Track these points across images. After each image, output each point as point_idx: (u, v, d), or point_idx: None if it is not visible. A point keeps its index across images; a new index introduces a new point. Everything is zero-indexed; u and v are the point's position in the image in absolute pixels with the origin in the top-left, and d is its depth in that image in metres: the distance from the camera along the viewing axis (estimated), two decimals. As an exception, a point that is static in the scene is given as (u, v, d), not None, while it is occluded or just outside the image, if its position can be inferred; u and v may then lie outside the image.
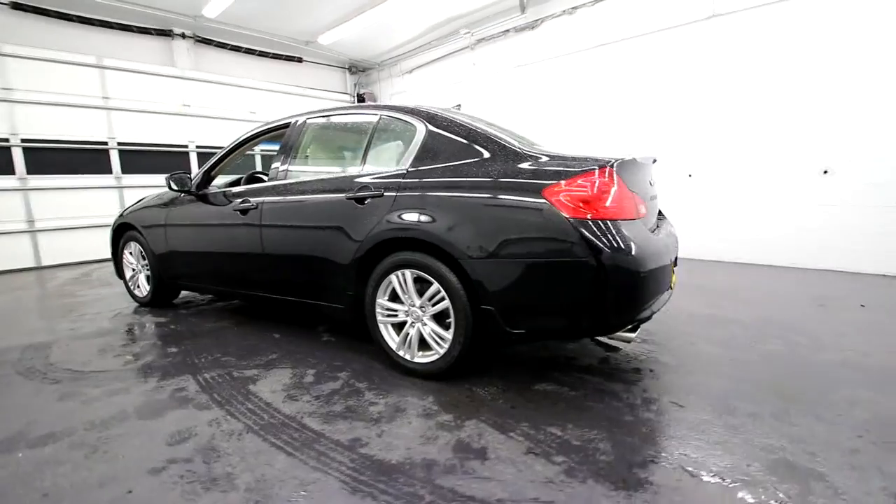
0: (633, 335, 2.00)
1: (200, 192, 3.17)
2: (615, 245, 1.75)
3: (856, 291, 3.71)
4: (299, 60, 8.53)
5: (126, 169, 6.54)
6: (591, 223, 1.76)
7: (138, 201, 3.83)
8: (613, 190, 1.81)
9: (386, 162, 2.41)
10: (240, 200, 2.83)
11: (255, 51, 7.87)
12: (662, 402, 1.96)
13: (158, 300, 3.72)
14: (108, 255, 4.04)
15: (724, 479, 1.44)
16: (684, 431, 1.73)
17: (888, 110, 4.09)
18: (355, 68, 9.43)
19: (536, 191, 1.84)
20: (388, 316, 2.29)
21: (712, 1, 4.98)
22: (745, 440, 1.66)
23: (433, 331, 2.15)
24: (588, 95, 6.16)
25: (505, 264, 1.88)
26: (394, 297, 2.27)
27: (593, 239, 1.74)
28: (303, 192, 2.54)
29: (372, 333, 2.36)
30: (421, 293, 2.16)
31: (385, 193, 2.20)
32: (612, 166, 1.84)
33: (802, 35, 4.48)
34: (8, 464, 1.62)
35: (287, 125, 2.88)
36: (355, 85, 9.61)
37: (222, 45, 7.47)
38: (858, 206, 4.31)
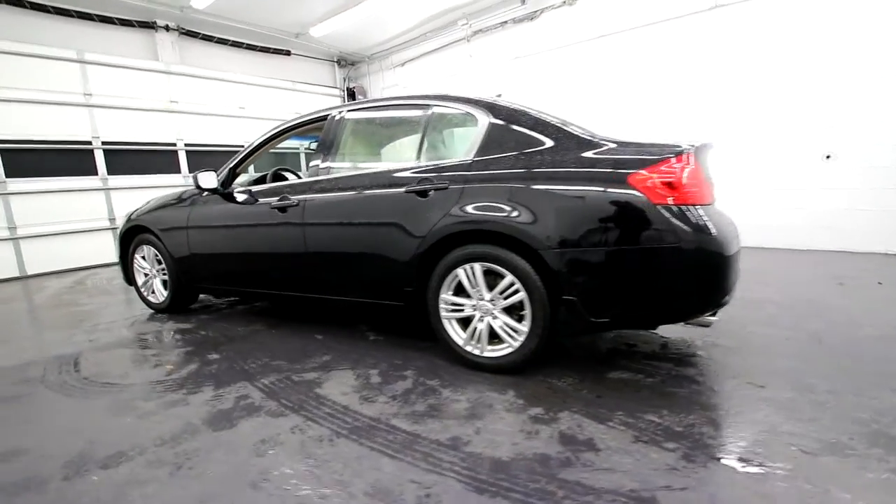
0: (714, 318, 2.02)
1: (227, 191, 3.02)
2: (702, 229, 1.75)
3: (868, 270, 3.88)
4: (287, 54, 8.26)
5: (112, 170, 6.19)
6: (677, 208, 1.77)
7: (147, 202, 3.62)
8: (696, 175, 1.82)
9: (444, 153, 2.34)
10: (277, 198, 2.70)
11: (243, 44, 7.57)
12: (741, 383, 1.99)
13: (177, 306, 3.54)
14: (98, 261, 3.83)
15: (834, 454, 1.47)
16: (776, 410, 1.75)
17: (888, 96, 4.28)
18: (344, 61, 9.21)
19: (621, 178, 1.83)
20: (453, 311, 2.24)
21: (714, -9, 5.08)
22: (836, 415, 1.70)
23: (505, 324, 2.11)
24: (587, 87, 6.20)
25: (590, 253, 1.86)
26: (458, 292, 2.22)
27: (681, 224, 1.75)
28: (352, 188, 2.45)
29: (435, 330, 2.30)
30: (490, 286, 2.12)
31: (451, 186, 2.14)
32: (691, 152, 1.84)
33: (801, 23, 4.63)
34: (86, 489, 1.49)
35: (323, 118, 2.77)
36: (345, 79, 9.39)
37: (208, 39, 7.15)
38: (862, 189, 4.50)
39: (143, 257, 3.58)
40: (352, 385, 2.14)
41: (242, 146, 8.17)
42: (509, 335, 2.11)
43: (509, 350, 2.12)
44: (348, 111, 2.68)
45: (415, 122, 2.48)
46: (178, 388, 2.20)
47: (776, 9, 4.75)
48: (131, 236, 3.61)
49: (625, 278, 1.85)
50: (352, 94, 9.38)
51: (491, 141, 2.15)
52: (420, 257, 2.23)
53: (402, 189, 2.26)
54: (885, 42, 4.24)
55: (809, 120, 4.70)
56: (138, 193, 6.20)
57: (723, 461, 1.46)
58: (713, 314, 2.00)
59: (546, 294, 1.98)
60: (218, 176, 3.01)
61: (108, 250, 6.08)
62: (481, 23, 6.99)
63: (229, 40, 7.38)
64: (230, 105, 7.40)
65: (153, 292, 3.61)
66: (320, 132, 2.94)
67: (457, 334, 2.26)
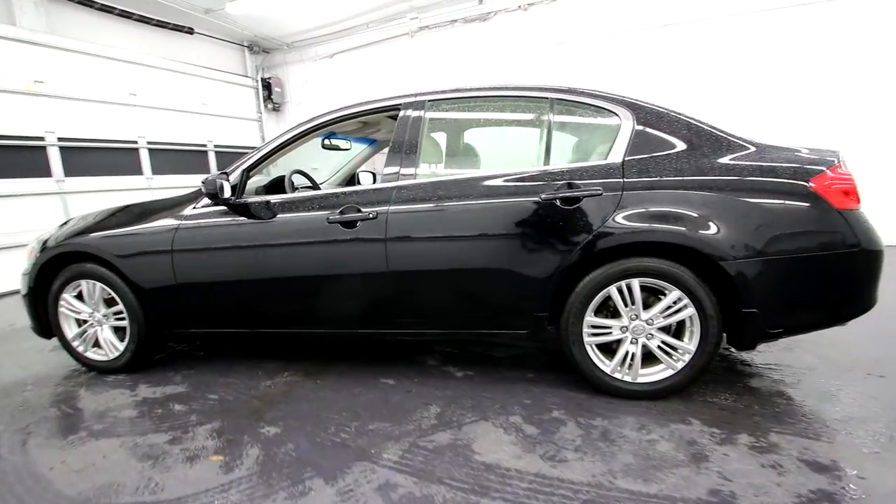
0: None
1: (240, 202, 2.26)
2: (871, 230, 1.78)
3: None
4: (190, 32, 6.84)
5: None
6: (851, 212, 1.77)
7: (73, 222, 2.59)
8: (855, 179, 1.84)
9: (580, 155, 2.04)
10: (334, 211, 2.09)
11: (133, 15, 6.02)
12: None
13: (139, 360, 2.55)
14: None
15: None
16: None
17: None
18: (257, 47, 8.00)
19: (803, 184, 1.76)
20: (597, 335, 1.96)
21: (664, 10, 5.56)
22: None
23: (664, 344, 1.91)
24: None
25: (775, 262, 1.76)
26: (600, 312, 1.95)
27: (858, 227, 1.76)
28: (460, 196, 1.99)
29: (573, 358, 1.99)
30: (644, 304, 1.90)
31: (605, 193, 1.85)
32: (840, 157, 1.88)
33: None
34: None
35: (391, 110, 2.23)
36: (257, 67, 8.16)
37: (87, 4, 5.52)
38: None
39: (79, 296, 2.51)
40: (509, 441, 1.72)
41: (135, 142, 6.62)
42: (670, 356, 1.91)
43: (670, 372, 1.93)
44: (432, 102, 2.18)
45: (532, 117, 2.12)
46: (261, 492, 1.51)
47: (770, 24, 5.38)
48: (52, 271, 2.51)
49: (807, 285, 1.79)
50: (267, 86, 8.21)
51: (641, 141, 1.92)
52: (563, 275, 1.90)
53: (539, 197, 1.90)
54: None
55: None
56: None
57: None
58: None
59: (718, 308, 1.83)
60: (230, 180, 2.22)
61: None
62: (431, 18, 6.66)
63: (115, 9, 5.80)
64: (117, 90, 5.84)
65: (97, 345, 2.56)
66: (367, 128, 2.39)
67: (601, 361, 1.98)
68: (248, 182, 2.37)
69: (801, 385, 2.06)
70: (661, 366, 1.95)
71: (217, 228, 2.26)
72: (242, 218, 2.23)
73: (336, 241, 2.10)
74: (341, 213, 2.08)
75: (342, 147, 3.10)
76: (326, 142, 2.89)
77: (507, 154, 2.34)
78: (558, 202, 1.88)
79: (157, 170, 6.36)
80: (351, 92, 7.67)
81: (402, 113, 2.17)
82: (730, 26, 5.35)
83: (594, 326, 1.95)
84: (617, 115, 1.98)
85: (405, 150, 2.11)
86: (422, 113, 2.15)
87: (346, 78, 7.79)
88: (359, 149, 3.48)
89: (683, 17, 5.51)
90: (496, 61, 6.51)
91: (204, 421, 2.00)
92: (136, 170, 6.14)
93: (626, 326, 1.93)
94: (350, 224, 2.07)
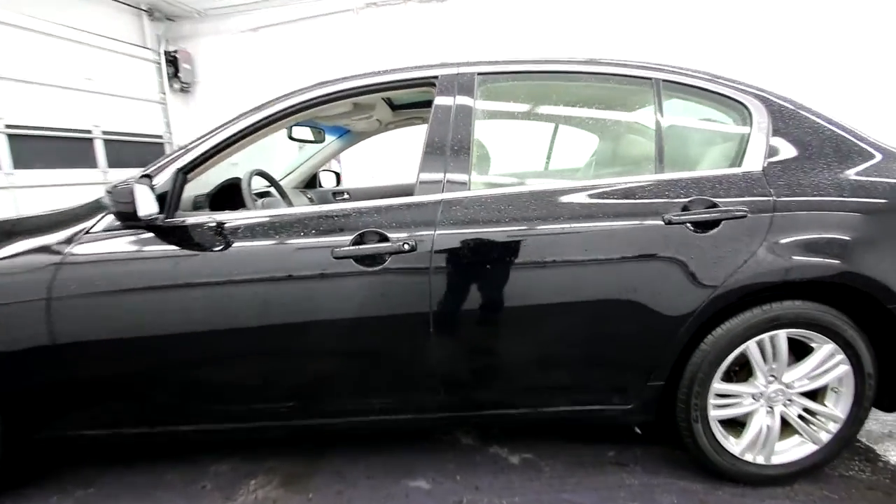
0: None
1: (173, 223, 1.39)
2: None
3: None
4: (64, -16, 5.28)
5: None
6: None
7: None
8: None
9: (697, 159, 1.49)
10: (347, 238, 1.33)
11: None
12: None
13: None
14: None
15: None
16: None
17: None
18: (159, 13, 6.51)
19: None
20: (724, 406, 1.45)
21: None
22: None
23: (806, 411, 1.46)
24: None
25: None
26: (728, 376, 1.45)
27: None
28: (540, 217, 1.34)
29: (694, 440, 1.45)
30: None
31: (750, 214, 1.32)
32: None
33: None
34: None
35: (416, 84, 1.51)
36: (160, 38, 6.66)
37: None
38: None
39: None
40: None
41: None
42: (812, 426, 1.46)
43: (811, 448, 1.48)
44: (484, 77, 1.48)
45: (631, 105, 1.53)
46: None
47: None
48: None
49: None
50: (173, 61, 6.75)
51: (784, 143, 1.42)
52: (693, 328, 1.35)
53: (661, 219, 1.32)
54: None
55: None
56: None
57: None
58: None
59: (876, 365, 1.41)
60: (154, 187, 1.34)
61: None
62: (380, -7, 5.82)
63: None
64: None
65: None
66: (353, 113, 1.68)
67: (726, 439, 1.47)
68: (186, 188, 1.49)
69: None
70: (797, 440, 1.50)
71: (131, 273, 1.37)
72: (177, 250, 1.37)
73: (346, 289, 1.34)
74: (356, 242, 1.33)
75: (314, 140, 2.28)
76: (296, 131, 2.06)
77: (598, 155, 1.72)
78: (689, 226, 1.32)
79: (21, 163, 4.78)
80: (281, 74, 6.56)
81: (439, 92, 1.45)
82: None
83: (719, 395, 1.44)
84: (746, 106, 1.46)
85: (452, 147, 1.40)
86: (472, 92, 1.45)
87: (275, 57, 6.64)
88: (326, 141, 2.67)
89: None
90: (455, 46, 5.88)
91: None
92: (-13, 162, 4.56)
93: (760, 393, 1.44)
94: (371, 260, 1.32)
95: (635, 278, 1.33)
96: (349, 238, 1.33)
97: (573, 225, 1.34)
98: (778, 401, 1.44)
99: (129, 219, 1.28)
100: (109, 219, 1.37)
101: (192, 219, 1.42)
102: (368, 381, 1.47)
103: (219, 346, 1.40)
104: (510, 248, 1.32)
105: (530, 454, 1.70)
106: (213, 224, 1.40)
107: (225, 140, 1.45)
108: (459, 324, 1.37)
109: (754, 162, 1.40)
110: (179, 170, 1.41)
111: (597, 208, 1.35)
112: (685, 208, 1.33)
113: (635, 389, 1.43)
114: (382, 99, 2.11)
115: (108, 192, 1.27)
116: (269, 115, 1.47)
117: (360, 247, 1.32)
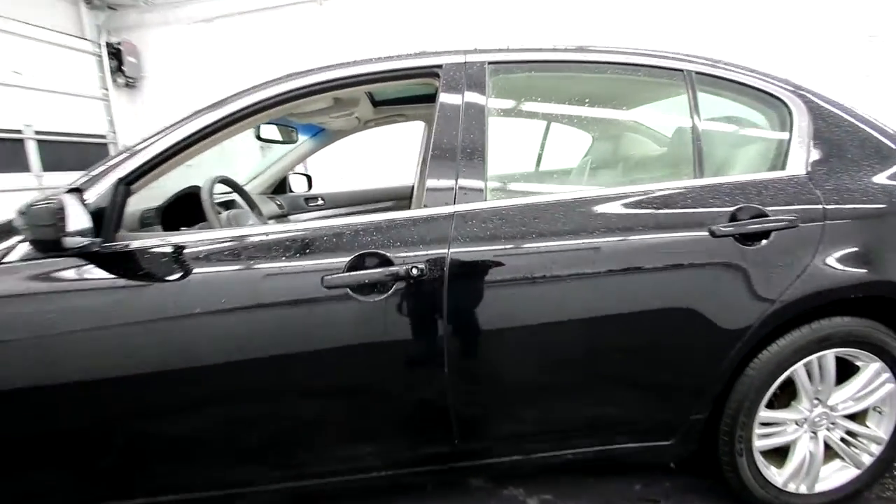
0: None
1: (112, 249, 1.10)
2: None
3: None
4: (-18, -36, 4.64)
5: None
6: None
7: None
8: None
9: (733, 161, 1.33)
10: (341, 263, 1.08)
11: None
12: None
13: None
14: None
15: None
16: None
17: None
18: (98, 1, 5.90)
19: None
20: (768, 436, 1.31)
21: None
22: None
23: (849, 434, 1.34)
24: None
25: None
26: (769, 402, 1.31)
27: None
28: (569, 230, 1.14)
29: (737, 474, 1.31)
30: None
31: (801, 224, 1.18)
32: None
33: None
34: None
35: (414, 74, 1.27)
36: (100, 28, 6.04)
37: None
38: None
39: None
40: None
41: None
42: (854, 448, 1.35)
43: (853, 472, 1.37)
44: (496, 66, 1.26)
45: (664, 99, 1.35)
46: None
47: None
48: None
49: None
50: (116, 54, 6.14)
51: (826, 144, 1.29)
52: (741, 353, 1.20)
53: (706, 230, 1.15)
54: None
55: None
56: None
57: None
58: None
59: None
60: (87, 203, 1.05)
61: None
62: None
63: None
64: None
65: None
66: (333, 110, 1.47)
67: (768, 469, 1.34)
68: (128, 202, 1.20)
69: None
70: (837, 464, 1.38)
71: (63, 310, 1.07)
72: (118, 280, 1.08)
73: (339, 325, 1.10)
74: (352, 267, 1.08)
75: (285, 140, 1.99)
76: (265, 130, 1.77)
77: (627, 158, 1.53)
78: (738, 237, 1.16)
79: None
80: (238, 68, 6.10)
81: (445, 85, 1.23)
82: None
83: (768, 423, 1.30)
84: (786, 103, 1.32)
85: (463, 150, 1.18)
86: (483, 84, 1.24)
87: (231, 50, 6.16)
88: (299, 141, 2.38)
89: None
90: (430, 39, 5.64)
91: None
92: None
93: (804, 418, 1.31)
94: (371, 289, 1.08)
95: (683, 298, 1.16)
96: (343, 261, 1.09)
97: (608, 239, 1.14)
98: (822, 425, 1.32)
99: (50, 248, 0.98)
100: (24, 248, 1.06)
101: (139, 242, 1.13)
102: (365, 432, 1.23)
103: (179, 405, 1.13)
104: (540, 270, 1.12)
105: (549, 495, 1.51)
106: (168, 248, 1.12)
107: (179, 142, 1.16)
108: (480, 360, 1.16)
109: (798, 165, 1.26)
110: (121, 180, 1.12)
111: (637, 220, 1.17)
112: (733, 217, 1.17)
113: (678, 422, 1.27)
114: (365, 94, 1.86)
115: (21, 212, 0.96)
116: (235, 112, 1.20)
117: (358, 272, 1.08)
